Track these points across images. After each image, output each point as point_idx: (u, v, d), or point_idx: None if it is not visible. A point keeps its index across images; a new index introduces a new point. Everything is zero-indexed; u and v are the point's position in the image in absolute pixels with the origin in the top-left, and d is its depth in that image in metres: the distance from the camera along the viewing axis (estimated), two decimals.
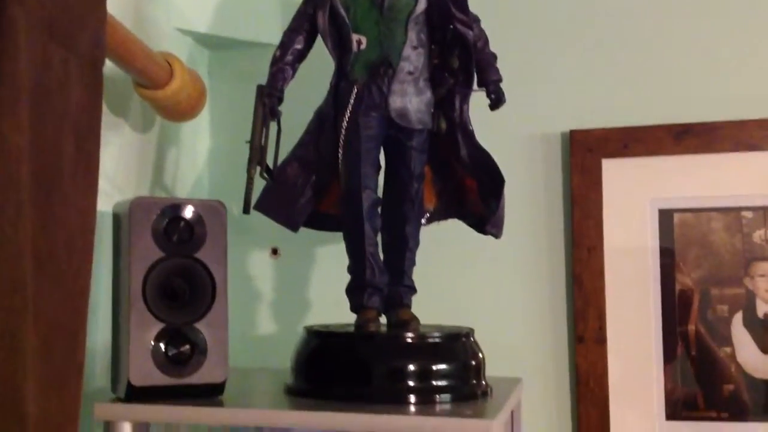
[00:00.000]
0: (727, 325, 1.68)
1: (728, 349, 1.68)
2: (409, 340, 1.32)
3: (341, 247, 1.42)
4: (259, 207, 1.41)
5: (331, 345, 1.33)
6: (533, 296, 1.78)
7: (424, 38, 1.39)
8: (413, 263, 1.43)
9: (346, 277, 1.41)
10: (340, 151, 1.37)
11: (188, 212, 1.27)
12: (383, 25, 1.36)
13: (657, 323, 1.72)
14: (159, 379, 1.21)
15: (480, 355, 1.38)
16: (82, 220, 1.07)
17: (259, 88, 1.38)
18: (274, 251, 1.88)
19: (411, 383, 1.28)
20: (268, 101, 1.37)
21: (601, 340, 1.73)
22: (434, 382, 1.29)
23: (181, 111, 1.44)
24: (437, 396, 1.28)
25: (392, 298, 1.40)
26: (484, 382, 1.36)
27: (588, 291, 1.74)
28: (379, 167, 1.42)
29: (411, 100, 1.38)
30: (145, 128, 1.61)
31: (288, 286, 1.88)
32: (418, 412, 1.20)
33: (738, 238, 1.70)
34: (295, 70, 1.42)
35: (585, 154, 1.76)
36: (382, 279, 1.38)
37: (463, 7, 1.41)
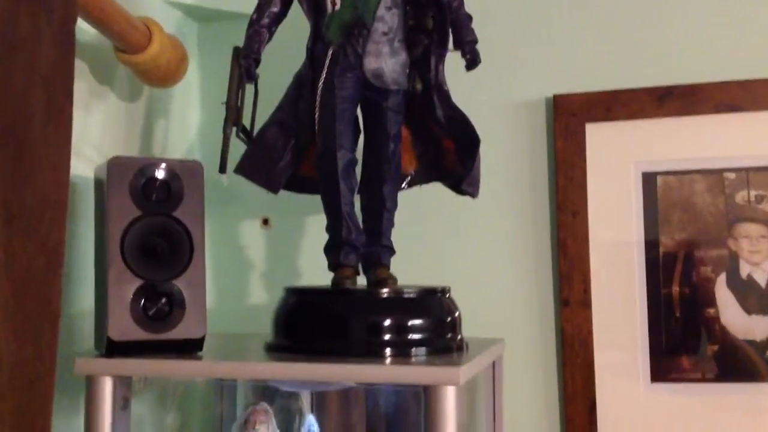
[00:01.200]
0: (711, 287, 1.69)
1: (712, 311, 1.69)
2: (385, 296, 1.35)
3: None
4: (239, 170, 1.43)
5: (308, 302, 1.35)
6: (518, 261, 1.80)
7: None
8: (391, 224, 1.45)
9: None
10: (317, 112, 1.39)
11: (165, 171, 1.29)
12: None
13: (641, 286, 1.73)
14: (138, 334, 1.24)
15: (456, 312, 1.40)
16: (55, 174, 1.09)
17: (235, 49, 1.40)
18: (265, 221, 1.90)
19: (387, 337, 1.30)
20: (244, 62, 1.39)
21: (586, 304, 1.74)
22: (409, 336, 1.31)
23: (162, 76, 1.47)
24: (412, 349, 1.30)
25: (370, 257, 1.42)
26: (459, 337, 1.38)
27: (572, 255, 1.75)
28: (358, 128, 1.44)
29: (386, 60, 1.40)
30: (133, 97, 1.64)
31: (278, 255, 1.91)
32: (392, 363, 1.22)
33: (721, 200, 1.71)
34: (271, 33, 1.43)
35: (568, 119, 1.77)
36: (359, 238, 1.40)
37: None
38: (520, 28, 1.82)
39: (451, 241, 1.83)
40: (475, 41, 1.46)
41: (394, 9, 1.41)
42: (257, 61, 1.41)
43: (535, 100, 1.80)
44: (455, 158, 1.48)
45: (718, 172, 1.71)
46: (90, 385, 1.25)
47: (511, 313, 1.79)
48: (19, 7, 1.04)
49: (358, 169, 1.44)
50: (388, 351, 1.28)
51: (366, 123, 1.45)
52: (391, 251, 1.45)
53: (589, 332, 1.73)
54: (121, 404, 1.27)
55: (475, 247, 1.82)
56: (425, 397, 1.14)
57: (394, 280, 1.41)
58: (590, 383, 1.72)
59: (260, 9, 1.43)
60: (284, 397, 1.59)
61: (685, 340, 1.69)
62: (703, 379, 1.68)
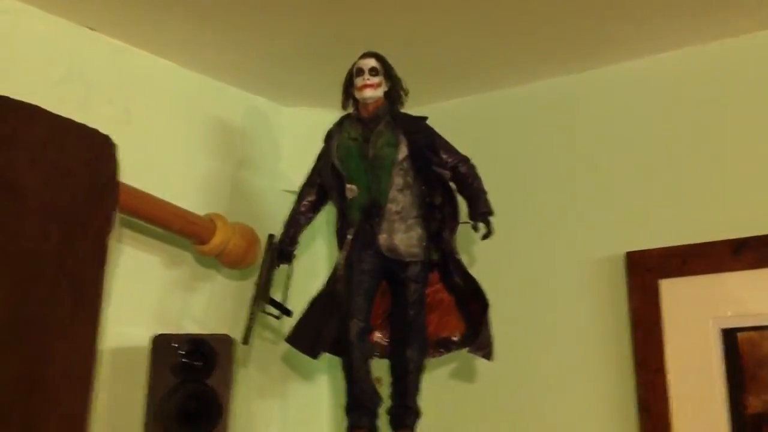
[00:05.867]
0: None
1: None
2: None
3: None
4: (288, 339, 1.62)
5: None
6: (603, 420, 1.77)
7: (411, 181, 1.56)
8: (416, 386, 1.54)
9: None
10: (341, 284, 1.55)
11: (201, 345, 1.53)
12: (370, 173, 1.56)
13: None
14: None
15: None
16: (81, 352, 1.37)
17: (270, 236, 1.62)
18: (378, 380, 2.05)
19: None
20: (278, 246, 1.60)
21: None
22: None
23: (232, 260, 1.74)
24: None
25: (393, 418, 1.53)
26: None
27: (654, 414, 1.69)
28: (374, 299, 1.57)
29: (399, 236, 1.54)
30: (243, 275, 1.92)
31: None
32: None
33: None
34: (309, 219, 1.65)
35: (643, 276, 1.76)
36: (373, 400, 1.51)
37: (447, 149, 1.57)
38: (595, 185, 1.86)
39: (534, 399, 1.84)
40: (488, 213, 1.55)
41: (406, 190, 1.56)
42: (293, 245, 1.62)
43: (613, 256, 1.81)
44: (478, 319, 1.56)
45: None
46: None
47: None
48: (50, 225, 1.36)
49: None
50: None
51: (391, 291, 1.59)
52: (415, 412, 1.54)
53: None
54: None
55: (558, 407, 1.82)
56: None
57: None
58: None
59: (299, 198, 1.65)
60: None
61: None
62: None
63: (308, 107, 2.12)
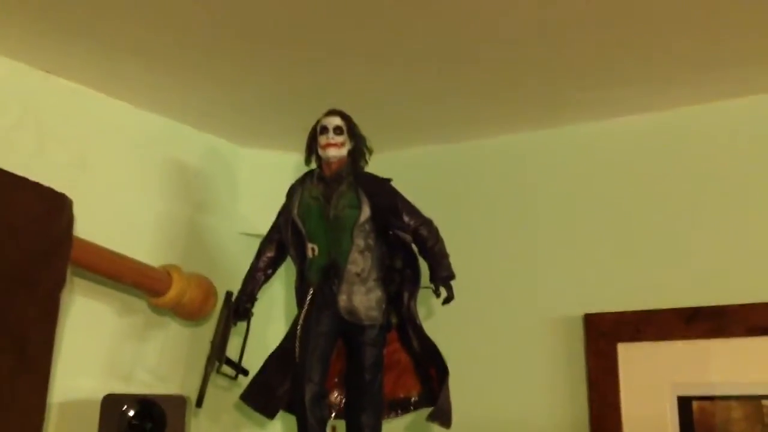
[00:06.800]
0: None
1: None
2: None
3: None
4: (242, 397, 1.59)
5: None
6: None
7: (372, 243, 1.53)
8: None
9: None
10: (297, 345, 1.53)
11: (151, 406, 1.49)
12: (331, 233, 1.53)
13: None
14: None
15: None
16: (25, 411, 1.33)
17: (227, 294, 1.59)
18: (333, 429, 2.02)
19: None
20: (233, 305, 1.57)
21: None
22: None
23: (187, 313, 1.70)
24: None
25: None
26: None
27: None
28: (329, 361, 1.55)
29: (359, 298, 1.52)
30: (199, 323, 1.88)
31: None
32: None
33: (758, 429, 1.58)
34: (267, 276, 1.61)
35: (599, 338, 1.75)
36: None
37: (410, 211, 1.55)
38: (556, 244, 1.86)
39: None
40: (449, 277, 1.54)
41: (367, 252, 1.53)
42: (251, 301, 1.59)
43: (571, 317, 1.81)
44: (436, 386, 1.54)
45: (756, 399, 1.60)
46: None
47: None
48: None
49: None
50: None
51: (347, 354, 1.56)
52: None
53: None
54: None
55: None
56: None
57: None
58: None
59: (258, 254, 1.62)
60: None
61: None
62: None
63: (268, 149, 2.08)
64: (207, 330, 1.74)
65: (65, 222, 1.42)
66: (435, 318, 1.80)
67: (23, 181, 1.36)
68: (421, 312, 1.59)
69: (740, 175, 1.72)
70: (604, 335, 1.74)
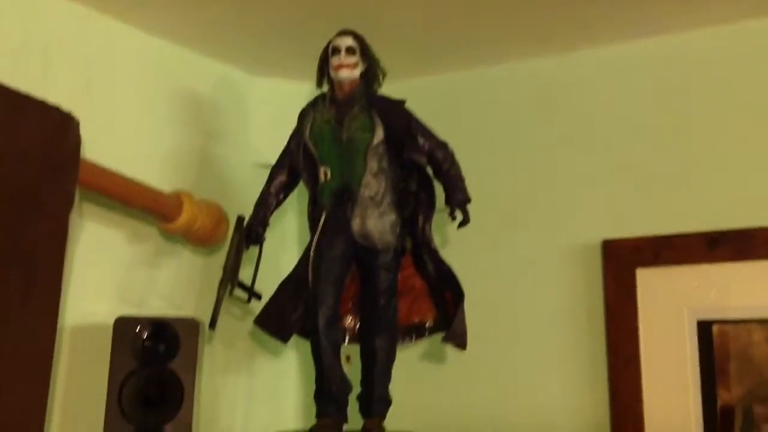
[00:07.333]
0: None
1: None
2: None
3: None
4: (256, 321, 1.58)
5: None
6: (575, 410, 1.75)
7: (385, 166, 1.51)
8: (386, 374, 1.51)
9: None
10: (310, 269, 1.51)
11: (164, 328, 1.48)
12: (344, 157, 1.50)
13: None
14: None
15: None
16: (36, 335, 1.32)
17: (239, 218, 1.57)
18: (347, 358, 2.02)
19: None
20: (245, 230, 1.55)
21: None
22: None
23: (198, 239, 1.68)
24: None
25: (363, 407, 1.50)
26: None
27: (624, 404, 1.68)
28: (343, 285, 1.53)
29: (373, 222, 1.49)
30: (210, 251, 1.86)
31: None
32: None
33: None
34: (279, 200, 1.59)
35: (618, 264, 1.73)
36: (341, 390, 1.48)
37: (424, 133, 1.52)
38: (574, 171, 1.82)
39: (506, 386, 1.82)
40: (465, 201, 1.51)
41: (381, 175, 1.50)
42: (263, 226, 1.57)
43: (590, 244, 1.78)
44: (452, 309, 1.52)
45: None
46: None
47: None
48: (3, 206, 1.29)
49: None
50: None
51: (361, 279, 1.55)
52: (385, 401, 1.51)
53: None
54: None
55: (530, 394, 1.80)
56: None
57: (380, 429, 1.47)
58: None
59: (269, 179, 1.59)
60: None
61: None
62: None
63: (281, 78, 2.04)
64: (219, 258, 1.72)
65: (73, 143, 1.39)
66: (450, 246, 1.79)
67: (29, 99, 1.33)
68: (436, 240, 1.58)
69: (766, 97, 1.68)
70: (623, 261, 1.72)
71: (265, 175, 1.63)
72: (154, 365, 1.47)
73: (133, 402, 1.46)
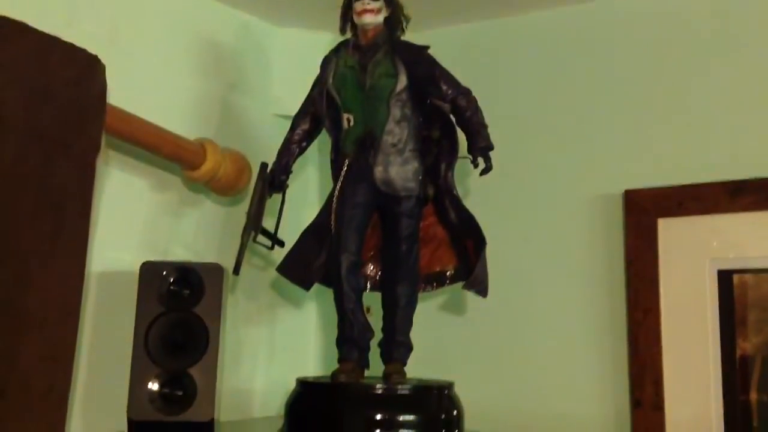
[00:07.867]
0: None
1: None
2: (378, 391, 1.42)
3: None
4: (279, 268, 1.59)
5: (308, 393, 1.47)
6: (593, 359, 1.77)
7: (408, 113, 1.51)
8: (408, 321, 1.52)
9: None
10: (332, 217, 1.52)
11: (189, 273, 1.50)
12: (367, 103, 1.50)
13: (717, 391, 1.63)
14: (153, 415, 1.44)
15: (454, 410, 1.44)
16: (64, 278, 1.34)
17: (262, 165, 1.57)
18: (367, 309, 2.04)
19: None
20: (269, 176, 1.56)
21: (658, 407, 1.66)
22: None
23: (222, 187, 1.69)
24: None
25: (385, 352, 1.51)
26: None
27: (644, 355, 1.69)
28: (365, 232, 1.54)
29: (395, 169, 1.50)
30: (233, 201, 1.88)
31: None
32: None
33: None
34: (302, 148, 1.60)
35: (640, 214, 1.73)
36: (363, 334, 1.50)
37: (448, 80, 1.51)
38: (595, 120, 1.82)
39: (525, 336, 1.84)
40: (488, 148, 1.51)
41: (404, 122, 1.50)
42: (285, 174, 1.58)
43: (611, 194, 1.78)
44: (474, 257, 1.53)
45: None
46: None
47: (586, 411, 1.75)
48: (31, 146, 1.31)
49: None
50: None
51: (383, 226, 1.56)
52: (406, 347, 1.52)
53: None
54: None
55: (549, 344, 1.81)
56: None
57: (402, 374, 1.48)
58: None
59: (292, 127, 1.60)
60: None
61: None
62: None
63: (304, 29, 2.05)
64: (241, 208, 1.73)
65: (99, 86, 1.39)
66: (471, 196, 1.80)
67: (58, 41, 1.33)
68: (458, 190, 1.58)
69: None
70: (645, 211, 1.72)
71: (286, 125, 1.63)
72: (179, 310, 1.49)
73: (159, 345, 1.48)
